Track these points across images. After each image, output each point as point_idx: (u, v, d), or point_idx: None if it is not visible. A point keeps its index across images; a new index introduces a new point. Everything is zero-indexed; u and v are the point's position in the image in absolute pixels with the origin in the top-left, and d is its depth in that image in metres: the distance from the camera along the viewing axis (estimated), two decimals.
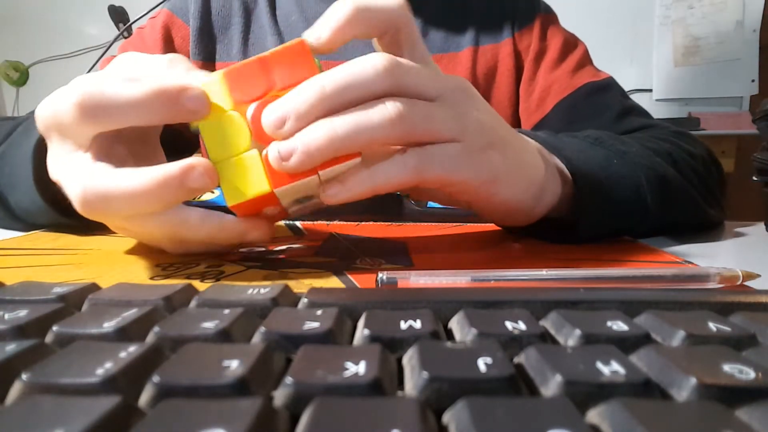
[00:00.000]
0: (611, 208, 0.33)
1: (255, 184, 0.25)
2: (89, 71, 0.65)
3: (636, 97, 0.60)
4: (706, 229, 0.41)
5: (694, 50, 2.03)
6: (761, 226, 0.43)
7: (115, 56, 0.61)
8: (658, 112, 1.94)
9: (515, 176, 0.30)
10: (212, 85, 0.26)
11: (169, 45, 0.59)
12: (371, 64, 0.25)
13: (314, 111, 0.24)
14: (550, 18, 0.62)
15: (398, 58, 0.26)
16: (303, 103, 0.24)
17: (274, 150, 0.24)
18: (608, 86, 0.57)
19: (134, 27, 0.64)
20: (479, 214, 0.34)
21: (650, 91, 2.06)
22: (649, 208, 0.35)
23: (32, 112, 0.51)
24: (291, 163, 0.24)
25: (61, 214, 0.35)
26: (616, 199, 0.33)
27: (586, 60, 0.60)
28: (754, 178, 0.41)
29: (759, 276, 0.23)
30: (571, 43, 0.61)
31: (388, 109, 0.25)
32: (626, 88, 0.60)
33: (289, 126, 0.24)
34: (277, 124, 0.24)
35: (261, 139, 0.25)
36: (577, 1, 1.92)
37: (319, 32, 0.27)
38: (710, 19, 2.00)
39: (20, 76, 2.20)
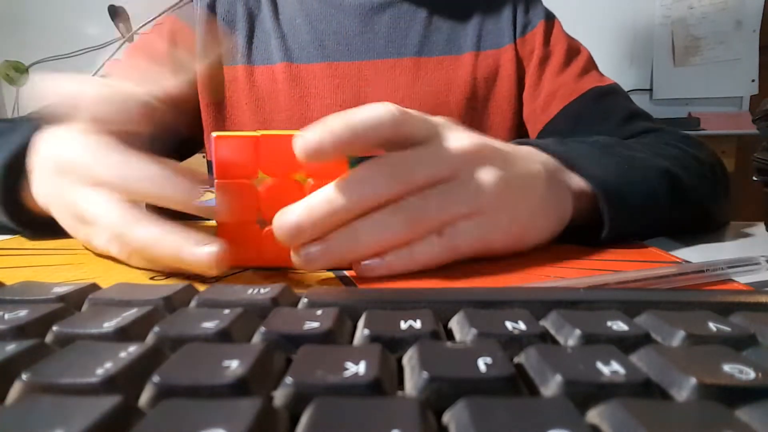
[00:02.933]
0: (627, 213, 0.33)
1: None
2: (93, 74, 0.65)
3: (636, 97, 0.60)
4: (714, 230, 0.41)
5: (694, 50, 2.03)
6: (761, 226, 0.43)
7: (119, 60, 0.62)
8: (658, 112, 1.93)
9: (543, 219, 0.31)
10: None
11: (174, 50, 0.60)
12: (378, 178, 0.26)
13: (326, 225, 0.25)
14: (552, 24, 0.62)
15: (401, 159, 0.26)
16: (314, 217, 0.25)
17: (300, 253, 0.25)
18: (613, 91, 0.58)
19: (135, 32, 0.65)
20: None
21: (650, 91, 2.06)
22: (662, 212, 0.35)
23: (20, 118, 0.51)
24: (314, 267, 0.26)
25: (13, 222, 0.36)
26: (631, 204, 0.34)
27: (590, 65, 0.61)
28: (754, 178, 0.41)
29: None
30: (574, 48, 0.61)
31: (407, 213, 0.26)
32: (626, 88, 0.60)
33: (305, 239, 0.25)
34: (292, 235, 0.25)
35: (268, 215, 0.26)
36: (577, 2, 1.92)
37: (308, 146, 0.24)
38: (710, 19, 2.00)
39: (20, 76, 2.20)
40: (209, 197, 0.27)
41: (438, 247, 0.27)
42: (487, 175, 0.28)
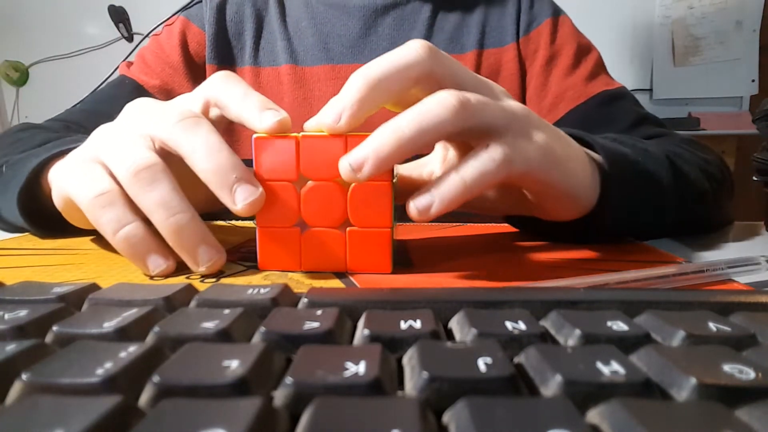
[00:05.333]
0: (641, 203, 0.33)
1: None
2: (104, 82, 0.66)
3: (636, 97, 0.59)
4: (716, 230, 0.41)
5: (694, 50, 2.03)
6: (761, 226, 0.43)
7: (132, 63, 0.62)
8: (658, 112, 1.91)
9: (571, 162, 0.30)
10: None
11: (185, 50, 0.61)
12: (445, 105, 0.25)
13: (393, 156, 0.24)
14: (560, 21, 0.61)
15: (465, 93, 0.25)
16: (382, 146, 0.24)
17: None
18: (622, 95, 0.57)
19: (142, 34, 0.65)
20: (541, 210, 0.33)
21: (650, 91, 2.06)
22: (673, 207, 0.35)
23: (64, 124, 0.52)
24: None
25: (31, 224, 0.36)
26: (645, 195, 0.33)
27: (600, 68, 0.60)
28: (754, 178, 0.41)
29: None
30: (584, 48, 0.60)
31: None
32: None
33: (367, 170, 0.24)
34: (356, 168, 0.24)
35: (308, 219, 0.26)
36: (577, 2, 1.91)
37: (338, 115, 0.25)
38: (710, 19, 2.00)
39: (20, 76, 2.20)
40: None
41: (489, 162, 0.25)
42: (514, 103, 0.28)
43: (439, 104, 0.25)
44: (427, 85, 0.27)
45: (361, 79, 0.25)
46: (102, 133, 0.29)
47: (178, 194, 0.26)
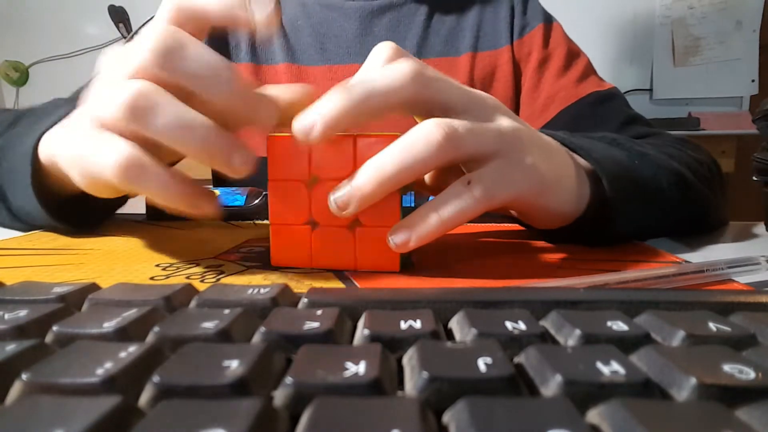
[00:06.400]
0: (640, 208, 0.33)
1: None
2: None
3: (636, 97, 0.60)
4: (714, 230, 0.42)
5: (694, 50, 2.03)
6: (761, 226, 0.43)
7: None
8: (658, 112, 1.93)
9: (559, 183, 0.30)
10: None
11: None
12: (429, 140, 0.24)
13: (377, 194, 0.24)
14: (552, 27, 0.63)
15: (452, 123, 0.25)
16: (365, 185, 0.24)
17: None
18: (612, 96, 0.58)
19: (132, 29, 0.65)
20: (524, 219, 0.33)
21: (650, 91, 2.06)
22: (672, 209, 0.35)
23: (31, 108, 0.52)
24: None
25: (53, 217, 0.35)
26: (643, 199, 0.33)
27: (590, 70, 0.61)
28: (754, 178, 0.41)
29: None
30: (574, 53, 0.62)
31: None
32: (626, 88, 0.61)
33: (351, 210, 0.25)
34: (341, 207, 0.25)
35: (318, 217, 0.27)
36: (577, 1, 1.92)
37: (309, 128, 0.24)
38: (710, 19, 2.00)
39: (20, 76, 2.20)
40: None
41: (468, 200, 0.25)
42: (506, 120, 0.28)
43: (422, 140, 0.24)
44: (412, 109, 0.27)
45: (341, 96, 0.25)
46: (88, 94, 0.28)
47: (188, 108, 0.23)
